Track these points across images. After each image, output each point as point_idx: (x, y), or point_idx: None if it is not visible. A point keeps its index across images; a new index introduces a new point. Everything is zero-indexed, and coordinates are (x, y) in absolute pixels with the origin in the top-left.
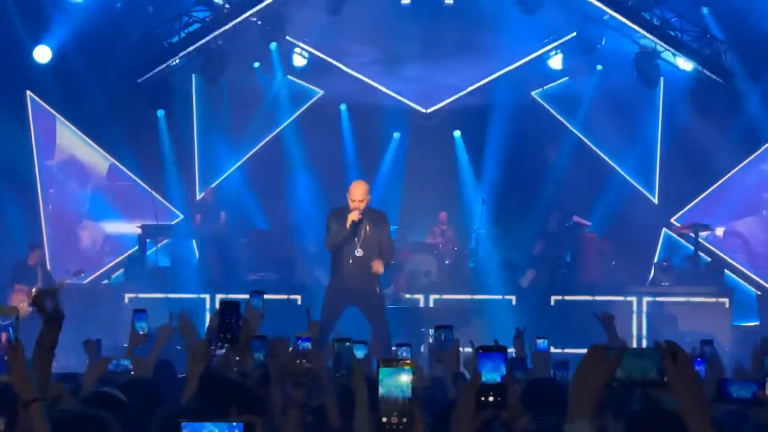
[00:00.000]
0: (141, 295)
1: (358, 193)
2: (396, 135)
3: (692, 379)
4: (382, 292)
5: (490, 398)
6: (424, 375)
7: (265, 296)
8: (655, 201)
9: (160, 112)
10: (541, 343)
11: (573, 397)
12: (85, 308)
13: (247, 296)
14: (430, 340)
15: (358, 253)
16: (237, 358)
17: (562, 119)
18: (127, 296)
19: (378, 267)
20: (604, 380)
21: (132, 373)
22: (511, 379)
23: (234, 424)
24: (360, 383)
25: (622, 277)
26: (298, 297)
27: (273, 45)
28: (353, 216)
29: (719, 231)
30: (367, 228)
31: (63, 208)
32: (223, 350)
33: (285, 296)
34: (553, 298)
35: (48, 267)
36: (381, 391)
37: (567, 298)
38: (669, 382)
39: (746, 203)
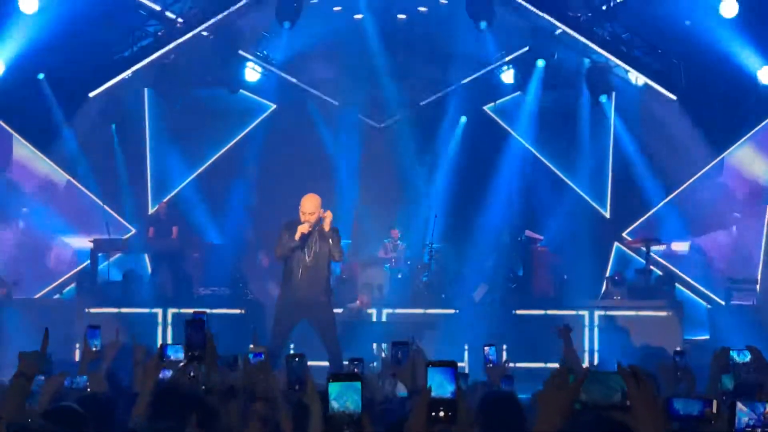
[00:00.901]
0: (93, 310)
1: (308, 205)
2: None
3: (653, 404)
4: (332, 305)
5: (441, 413)
6: (380, 389)
7: (218, 311)
8: (607, 215)
9: (113, 126)
10: (490, 351)
11: (538, 419)
12: (36, 322)
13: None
14: (383, 355)
15: (309, 263)
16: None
17: (514, 133)
18: (79, 311)
19: (327, 221)
20: (568, 403)
21: (88, 389)
22: (462, 394)
23: None
24: (314, 399)
25: (574, 291)
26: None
27: (225, 59)
28: (303, 228)
29: (681, 246)
30: (318, 239)
31: (29, 225)
32: (180, 365)
33: (238, 311)
34: (517, 312)
35: None
36: (331, 405)
37: (519, 312)
38: (632, 407)
39: (704, 217)
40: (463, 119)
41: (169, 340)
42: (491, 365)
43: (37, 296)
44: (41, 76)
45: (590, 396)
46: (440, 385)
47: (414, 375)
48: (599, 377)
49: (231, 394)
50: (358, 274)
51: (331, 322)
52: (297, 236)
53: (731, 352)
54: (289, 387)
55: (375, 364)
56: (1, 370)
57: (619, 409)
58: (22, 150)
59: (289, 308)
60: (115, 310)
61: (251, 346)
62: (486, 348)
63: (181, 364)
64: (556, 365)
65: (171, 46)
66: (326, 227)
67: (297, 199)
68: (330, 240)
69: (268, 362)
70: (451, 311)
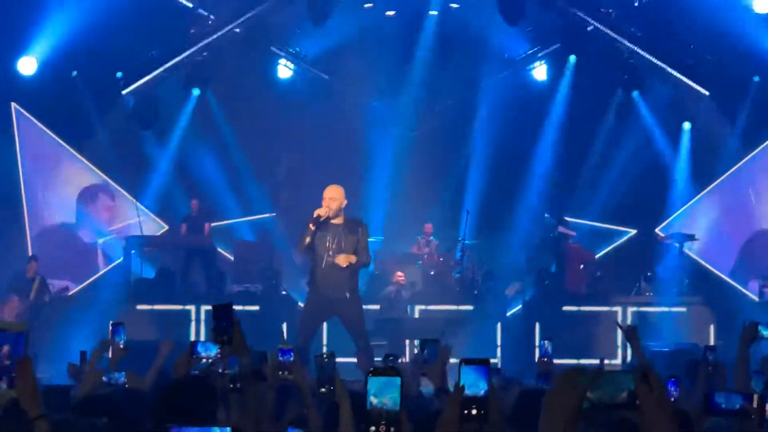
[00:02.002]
0: (126, 307)
1: (329, 191)
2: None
3: (663, 404)
4: (358, 299)
5: (473, 411)
6: (411, 386)
7: (251, 308)
8: (640, 211)
9: (146, 123)
10: (543, 345)
11: (545, 418)
12: (70, 320)
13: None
14: (415, 351)
15: (331, 259)
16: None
17: (546, 129)
18: (114, 308)
19: (342, 260)
20: (575, 404)
21: (126, 385)
22: (494, 392)
23: (225, 429)
24: (344, 398)
25: (607, 288)
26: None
27: (258, 56)
28: (319, 211)
29: (714, 241)
30: (343, 235)
31: (52, 220)
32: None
33: (264, 308)
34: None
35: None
36: (370, 400)
37: (552, 309)
38: (640, 406)
39: (737, 212)
40: (496, 115)
41: (202, 337)
42: (545, 359)
43: (71, 293)
44: (74, 73)
45: (598, 395)
46: (473, 383)
47: (443, 373)
48: (609, 377)
49: (260, 377)
50: (391, 270)
51: (358, 317)
52: (311, 223)
53: (759, 326)
54: (319, 386)
55: (402, 360)
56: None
57: (627, 408)
58: (59, 149)
59: (315, 306)
60: (147, 306)
61: (280, 343)
62: (545, 342)
63: (195, 358)
64: (590, 361)
65: (203, 43)
66: (331, 212)
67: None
68: (357, 241)
69: (298, 360)
70: (484, 308)
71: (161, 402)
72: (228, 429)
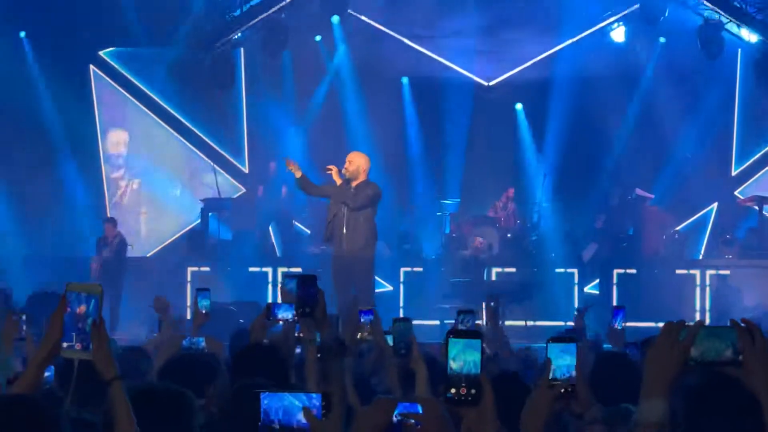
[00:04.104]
0: (203, 269)
1: (350, 155)
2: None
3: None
4: (372, 257)
5: (561, 390)
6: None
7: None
8: (730, 173)
9: (222, 86)
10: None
11: (646, 376)
12: (147, 282)
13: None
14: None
15: (347, 221)
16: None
17: (624, 92)
18: (190, 270)
19: (335, 172)
20: (679, 359)
21: (205, 350)
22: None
23: (312, 394)
24: (420, 364)
25: (686, 250)
26: None
27: (335, 18)
28: (332, 167)
29: None
30: (354, 197)
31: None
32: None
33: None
34: (616, 271)
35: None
36: (450, 362)
37: (629, 271)
38: (745, 363)
39: None
40: (571, 78)
41: (279, 300)
42: (618, 327)
43: (149, 254)
44: None
45: (701, 352)
46: (561, 362)
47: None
48: (711, 332)
49: (342, 349)
50: (468, 233)
51: (367, 271)
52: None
53: None
54: (395, 351)
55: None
56: (116, 328)
57: (731, 365)
58: (134, 113)
59: (339, 267)
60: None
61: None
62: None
63: (291, 320)
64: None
65: (280, 5)
66: (347, 174)
67: (408, 154)
68: (363, 195)
69: (379, 321)
70: (561, 270)
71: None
72: (319, 395)
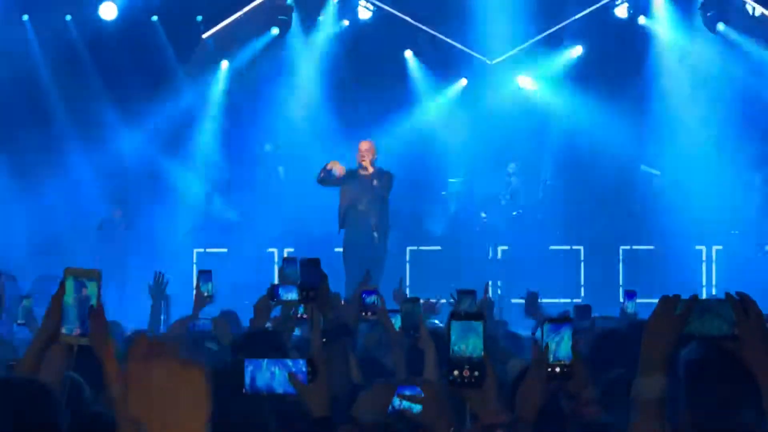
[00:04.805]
0: (208, 250)
1: (364, 144)
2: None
3: (763, 334)
4: (385, 246)
5: (557, 369)
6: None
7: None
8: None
9: (225, 65)
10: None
11: (644, 350)
12: (152, 262)
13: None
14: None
15: (362, 207)
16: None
17: (628, 68)
18: (195, 250)
19: (367, 163)
20: (676, 332)
21: (213, 333)
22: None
23: (299, 360)
24: (429, 344)
25: (692, 225)
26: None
27: None
28: (335, 163)
29: None
30: (370, 184)
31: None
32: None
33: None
34: (622, 248)
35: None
36: (452, 344)
37: (635, 247)
38: (740, 337)
39: None
40: (578, 51)
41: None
42: (630, 312)
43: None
44: (155, 18)
45: (697, 325)
46: (557, 344)
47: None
48: (706, 306)
49: (346, 332)
50: (472, 211)
51: (380, 259)
52: (336, 170)
53: None
54: (404, 331)
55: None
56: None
57: (727, 338)
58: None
59: (352, 253)
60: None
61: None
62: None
63: (274, 302)
64: None
65: None
66: (367, 165)
67: (412, 134)
68: (381, 185)
69: (383, 303)
70: (567, 247)
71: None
72: (303, 360)
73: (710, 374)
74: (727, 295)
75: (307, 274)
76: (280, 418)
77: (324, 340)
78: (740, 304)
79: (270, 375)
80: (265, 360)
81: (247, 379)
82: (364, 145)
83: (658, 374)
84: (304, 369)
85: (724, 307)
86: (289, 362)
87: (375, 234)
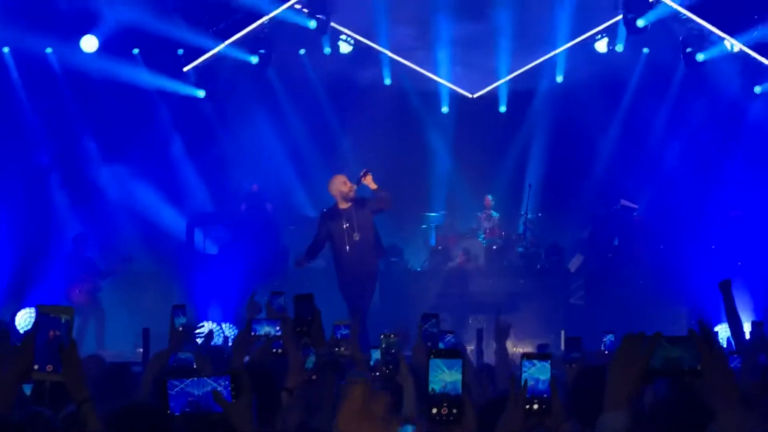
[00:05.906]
0: (189, 284)
1: (339, 179)
2: (443, 113)
3: (725, 371)
4: (377, 274)
5: (535, 406)
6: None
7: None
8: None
9: (205, 100)
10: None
11: (609, 389)
12: (134, 296)
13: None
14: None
15: (356, 237)
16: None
17: (608, 102)
18: (175, 285)
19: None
20: (639, 369)
21: (194, 366)
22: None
23: (221, 377)
24: (408, 380)
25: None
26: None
27: (314, 27)
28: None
29: None
30: (353, 214)
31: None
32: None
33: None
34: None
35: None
36: (431, 382)
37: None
38: (703, 372)
39: None
40: (556, 89)
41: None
42: (606, 352)
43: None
44: (136, 51)
45: (661, 362)
46: (535, 380)
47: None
48: (670, 342)
49: (336, 368)
50: (453, 245)
51: (371, 291)
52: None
53: None
54: (384, 366)
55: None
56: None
57: (691, 374)
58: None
59: (351, 286)
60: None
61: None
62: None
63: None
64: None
65: (264, 18)
66: (372, 186)
67: (393, 167)
68: (370, 208)
69: (355, 338)
70: (547, 282)
71: None
72: (228, 376)
73: (674, 413)
74: (690, 331)
75: (301, 309)
76: None
77: (314, 377)
78: (703, 340)
79: (194, 395)
80: (188, 380)
81: (171, 402)
82: (340, 179)
83: (622, 410)
84: (227, 384)
85: (688, 343)
86: (211, 380)
87: (374, 263)
